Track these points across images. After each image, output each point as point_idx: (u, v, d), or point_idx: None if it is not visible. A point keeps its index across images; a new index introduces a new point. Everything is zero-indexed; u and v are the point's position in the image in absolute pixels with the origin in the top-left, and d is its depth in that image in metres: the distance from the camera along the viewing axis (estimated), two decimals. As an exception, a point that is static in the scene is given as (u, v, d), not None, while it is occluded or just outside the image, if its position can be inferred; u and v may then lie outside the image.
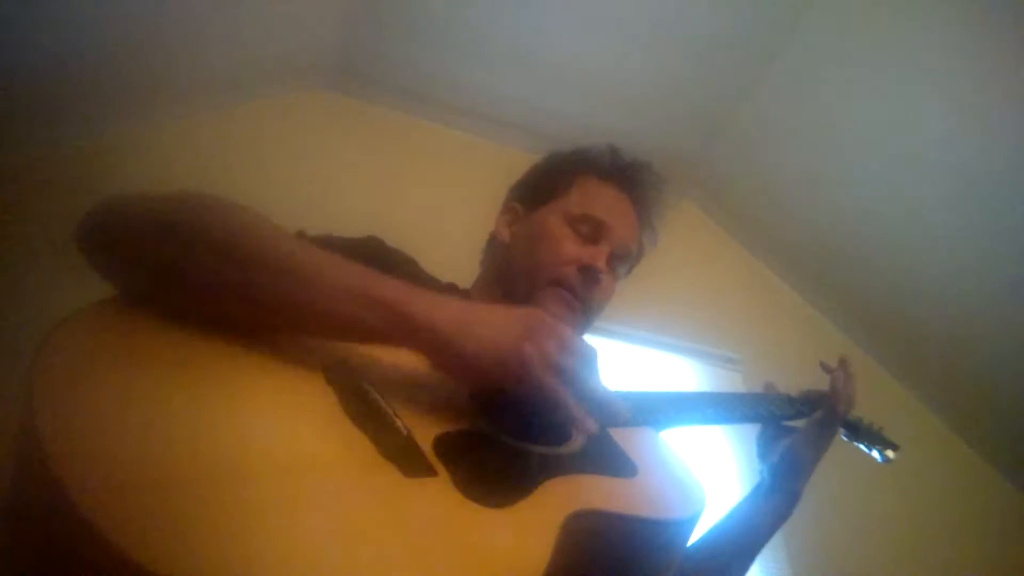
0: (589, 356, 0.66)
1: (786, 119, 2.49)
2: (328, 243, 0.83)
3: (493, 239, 1.09)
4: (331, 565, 0.43)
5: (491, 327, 0.62)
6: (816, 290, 2.74)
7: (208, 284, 0.58)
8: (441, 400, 0.65)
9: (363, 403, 0.58)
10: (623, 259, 1.03)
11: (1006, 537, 2.34)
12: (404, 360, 0.65)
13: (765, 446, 1.10)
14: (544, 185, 1.07)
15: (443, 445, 0.60)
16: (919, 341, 2.52)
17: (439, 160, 2.44)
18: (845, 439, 1.22)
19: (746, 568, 1.01)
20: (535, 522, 0.56)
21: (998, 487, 2.52)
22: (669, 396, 0.96)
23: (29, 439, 0.42)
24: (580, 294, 0.95)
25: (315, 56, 2.30)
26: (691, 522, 0.70)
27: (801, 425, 1.10)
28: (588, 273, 0.95)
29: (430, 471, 0.55)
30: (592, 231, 0.98)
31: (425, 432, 0.60)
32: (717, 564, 0.98)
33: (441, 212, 2.22)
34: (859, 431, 1.22)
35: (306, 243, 0.64)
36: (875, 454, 1.22)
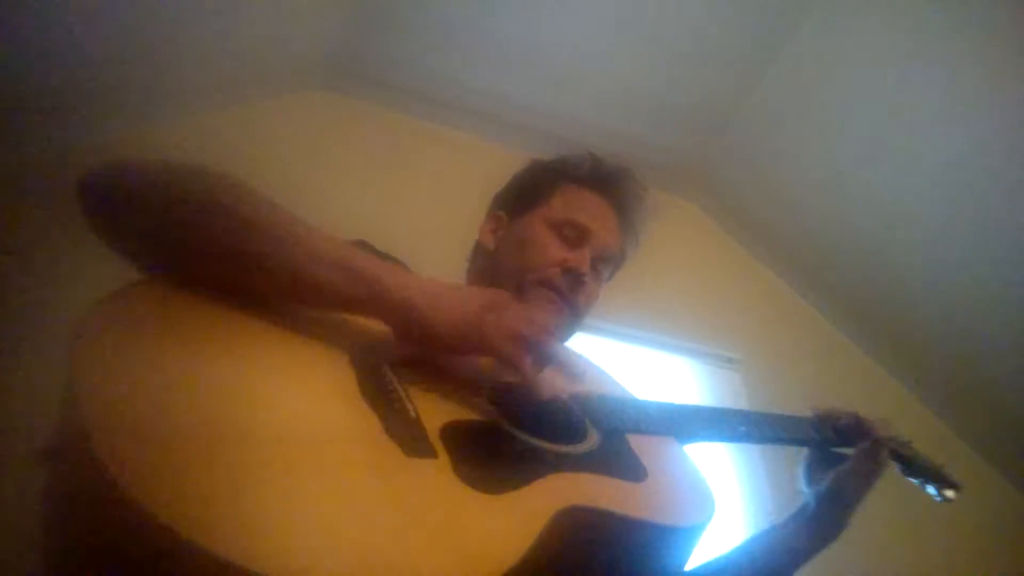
0: (552, 327, 0.72)
1: (786, 120, 2.49)
2: None
3: (478, 247, 1.11)
4: (322, 527, 0.46)
5: (456, 301, 0.68)
6: (816, 290, 2.74)
7: (201, 246, 0.61)
8: (461, 391, 0.69)
9: (379, 384, 0.62)
10: (606, 262, 1.05)
11: (1006, 537, 2.34)
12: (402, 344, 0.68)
13: (812, 472, 1.06)
14: (527, 193, 1.10)
15: (451, 431, 0.62)
16: (919, 341, 2.52)
17: (439, 160, 2.44)
18: (899, 473, 1.15)
19: None
20: (524, 511, 0.57)
21: (998, 487, 2.52)
22: (699, 410, 0.96)
23: (69, 399, 0.46)
24: (566, 296, 0.97)
25: (315, 56, 2.30)
26: (691, 532, 0.69)
27: (851, 453, 1.05)
28: (572, 276, 0.97)
29: (430, 452, 0.58)
30: (575, 235, 1.01)
31: (436, 418, 0.62)
32: None
33: (441, 212, 2.22)
34: (914, 467, 1.15)
35: (295, 215, 0.68)
36: (931, 490, 1.14)
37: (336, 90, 2.39)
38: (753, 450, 2.00)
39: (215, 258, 0.62)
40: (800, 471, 1.08)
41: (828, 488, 1.01)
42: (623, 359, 2.25)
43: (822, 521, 1.02)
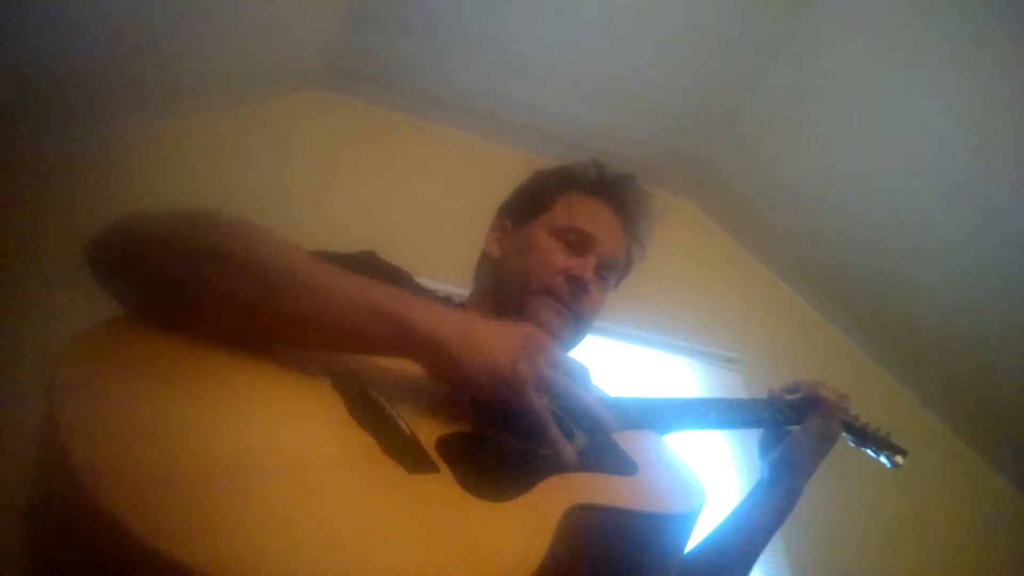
0: (579, 373, 0.70)
1: (786, 120, 2.49)
2: (324, 259, 0.85)
3: (484, 256, 1.12)
4: (335, 554, 0.45)
5: (488, 343, 0.65)
6: (815, 290, 2.74)
7: (220, 301, 0.59)
8: (443, 404, 0.67)
9: (368, 406, 0.61)
10: (611, 269, 1.05)
11: (1006, 537, 2.34)
12: (407, 368, 0.67)
13: (766, 446, 1.12)
14: (531, 202, 1.10)
15: (445, 445, 0.61)
16: (918, 341, 2.52)
17: (439, 160, 2.44)
18: (852, 446, 1.22)
19: (749, 566, 1.03)
20: (534, 515, 0.57)
21: (998, 487, 2.52)
22: (672, 401, 0.98)
23: (50, 442, 0.44)
24: (569, 303, 0.98)
25: (315, 56, 2.30)
26: (691, 517, 0.71)
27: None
28: (576, 283, 0.98)
29: (432, 467, 0.57)
30: (579, 242, 1.02)
31: (428, 433, 0.62)
32: (721, 561, 0.99)
33: (441, 212, 2.22)
34: (866, 436, 1.21)
35: (309, 256, 0.66)
36: (883, 460, 1.22)
37: (336, 90, 2.39)
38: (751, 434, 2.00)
39: (235, 312, 0.60)
40: (757, 447, 1.13)
41: (779, 455, 1.07)
42: (623, 359, 2.25)
43: (776, 488, 1.06)
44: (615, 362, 2.20)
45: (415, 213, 2.21)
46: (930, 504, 2.31)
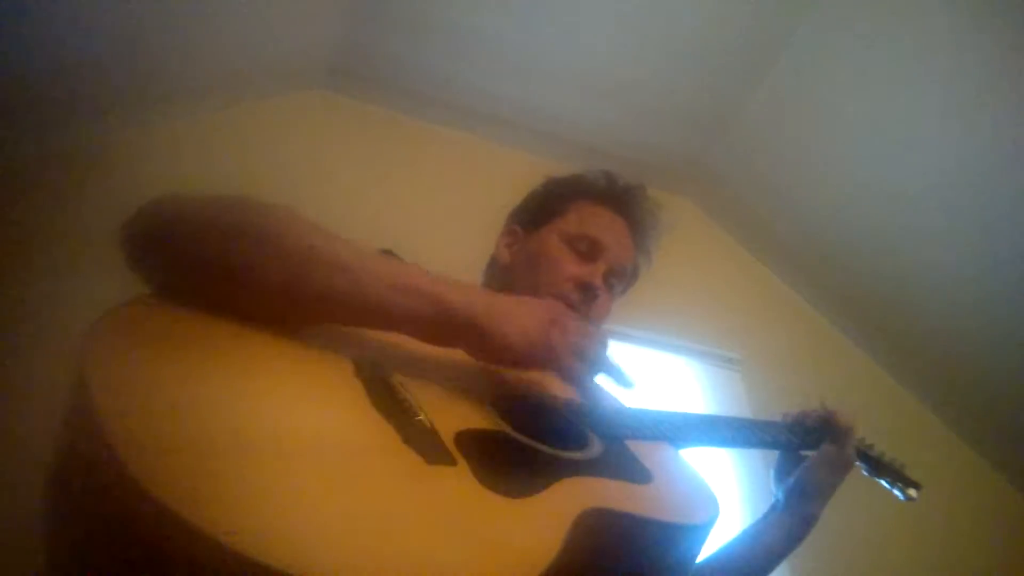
0: (603, 339, 0.75)
1: (786, 119, 2.49)
2: None
3: (494, 260, 1.14)
4: (354, 537, 0.46)
5: (520, 315, 0.69)
6: (816, 290, 2.74)
7: (254, 279, 0.61)
8: (465, 400, 0.70)
9: (389, 395, 0.62)
10: (619, 277, 1.07)
11: (1006, 537, 2.34)
12: (432, 359, 0.70)
13: (781, 471, 1.11)
14: (542, 208, 1.13)
15: (464, 439, 0.62)
16: (919, 340, 2.52)
17: (439, 160, 2.44)
18: (865, 474, 1.21)
19: None
20: (548, 514, 0.58)
21: (998, 487, 2.52)
22: (688, 417, 0.98)
23: (81, 409, 0.45)
24: (579, 310, 0.99)
25: (315, 56, 2.30)
26: (702, 529, 0.71)
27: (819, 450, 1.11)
28: (586, 290, 1.00)
29: (450, 460, 0.58)
30: (589, 249, 1.04)
31: (448, 427, 0.63)
32: None
33: (441, 212, 2.22)
34: (880, 467, 1.21)
35: (341, 237, 0.67)
36: (897, 492, 1.21)
37: (336, 90, 2.39)
38: (755, 453, 2.00)
39: (269, 291, 0.61)
40: (772, 473, 1.13)
41: (794, 482, 1.06)
42: (623, 359, 2.24)
43: (790, 515, 1.05)
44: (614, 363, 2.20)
45: (415, 213, 2.20)
46: (929, 503, 2.31)
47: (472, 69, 2.40)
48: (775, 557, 1.03)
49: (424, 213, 2.22)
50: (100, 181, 1.79)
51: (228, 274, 0.60)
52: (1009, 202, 2.07)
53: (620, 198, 1.13)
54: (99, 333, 0.52)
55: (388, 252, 1.00)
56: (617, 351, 2.30)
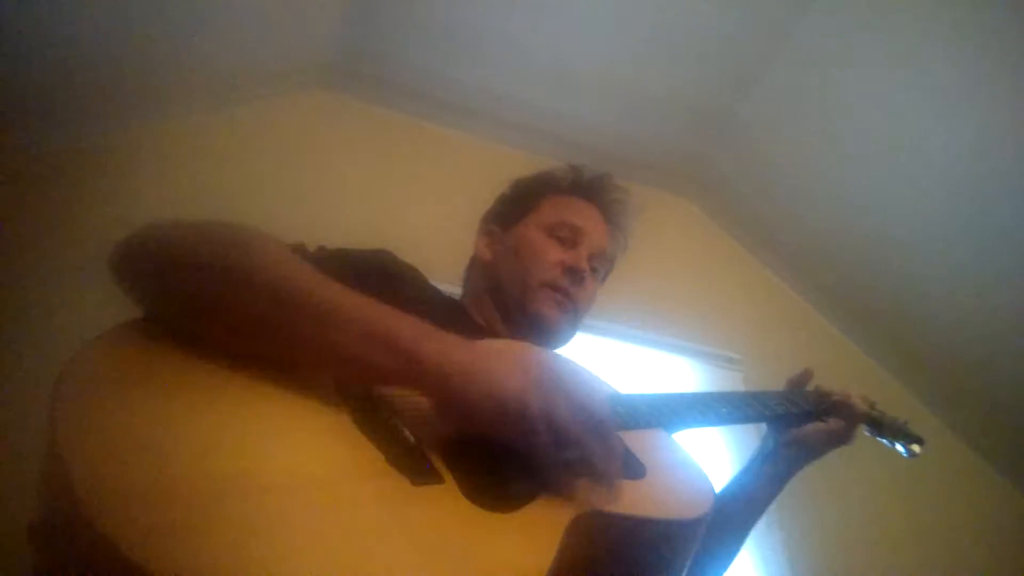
0: (603, 418, 0.65)
1: (786, 119, 2.49)
2: (342, 257, 0.88)
3: (475, 261, 1.16)
4: (345, 571, 0.45)
5: (497, 376, 0.62)
6: (816, 290, 2.74)
7: (231, 318, 0.59)
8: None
9: (374, 412, 0.61)
10: (600, 260, 1.11)
11: (1006, 537, 2.34)
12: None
13: (778, 426, 1.12)
14: (516, 206, 1.16)
15: (451, 452, 0.61)
16: (919, 341, 2.52)
17: (439, 160, 2.44)
18: (868, 435, 1.22)
19: (745, 533, 1.04)
20: (540, 525, 0.57)
21: (998, 487, 2.52)
22: (683, 397, 0.98)
23: (51, 459, 0.44)
24: (570, 294, 1.02)
25: (315, 56, 2.30)
26: (699, 523, 0.70)
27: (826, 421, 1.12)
28: (573, 274, 1.03)
29: (437, 478, 0.57)
30: (570, 235, 1.07)
31: (434, 440, 0.61)
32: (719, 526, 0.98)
33: (441, 212, 2.22)
34: (882, 426, 1.21)
35: (331, 281, 0.64)
36: (900, 448, 1.21)
37: (336, 90, 2.39)
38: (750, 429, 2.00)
39: (245, 331, 0.60)
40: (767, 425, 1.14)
41: (793, 440, 1.08)
42: (623, 359, 2.25)
43: (777, 463, 1.08)
44: (615, 362, 2.20)
45: (415, 213, 2.20)
46: (930, 504, 2.31)
47: (472, 69, 2.40)
48: (763, 505, 1.06)
49: (424, 212, 2.21)
50: (100, 181, 1.79)
51: (206, 309, 0.59)
52: (1010, 201, 2.07)
53: (589, 187, 1.16)
54: (72, 371, 0.50)
55: (385, 252, 0.99)
56: (618, 351, 2.28)
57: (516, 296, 1.02)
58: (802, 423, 1.11)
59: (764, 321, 2.61)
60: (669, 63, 2.38)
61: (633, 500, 0.66)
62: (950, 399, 2.55)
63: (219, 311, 0.59)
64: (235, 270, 0.60)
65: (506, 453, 0.65)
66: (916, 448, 1.20)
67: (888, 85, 2.15)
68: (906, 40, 2.05)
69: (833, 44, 2.23)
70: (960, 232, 2.23)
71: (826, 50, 2.25)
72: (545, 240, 1.06)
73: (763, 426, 1.14)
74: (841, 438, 1.11)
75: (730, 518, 1.00)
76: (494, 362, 0.64)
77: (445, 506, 0.55)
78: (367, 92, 2.41)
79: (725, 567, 1.01)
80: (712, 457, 2.07)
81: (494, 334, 1.01)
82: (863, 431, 1.19)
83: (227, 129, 2.09)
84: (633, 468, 0.72)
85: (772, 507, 1.07)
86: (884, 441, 1.22)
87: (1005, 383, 2.37)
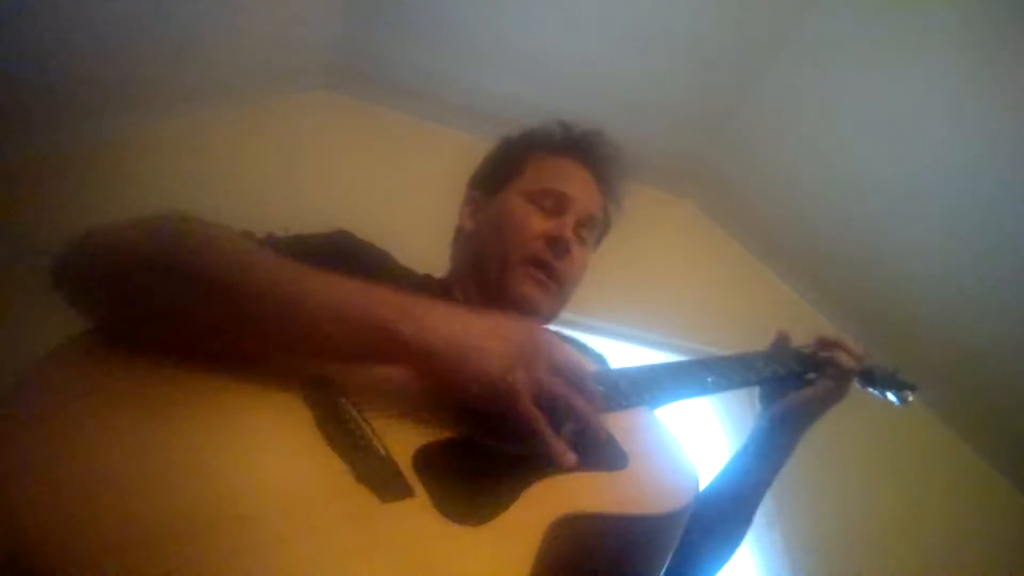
0: (581, 375, 0.65)
1: (786, 119, 2.49)
2: (298, 243, 0.83)
3: (459, 231, 1.09)
4: None
5: (482, 348, 0.61)
6: (816, 290, 2.74)
7: (191, 316, 0.57)
8: (425, 407, 0.64)
9: (340, 423, 0.57)
10: (590, 227, 1.03)
11: (1006, 537, 2.34)
12: (386, 370, 0.63)
13: (768, 396, 1.07)
14: (500, 169, 1.08)
15: (424, 458, 0.58)
16: (919, 340, 2.52)
17: (439, 159, 2.43)
18: (859, 387, 1.15)
19: (747, 517, 1.00)
20: (516, 534, 0.55)
21: (998, 487, 2.52)
22: (665, 368, 0.94)
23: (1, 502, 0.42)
24: (553, 268, 0.95)
25: (316, 56, 2.30)
26: (683, 512, 0.67)
27: (815, 380, 1.06)
28: (557, 244, 0.95)
29: (408, 492, 0.54)
30: (555, 203, 0.99)
31: (406, 445, 0.59)
32: (716, 514, 0.94)
33: (440, 211, 2.22)
34: (874, 378, 1.15)
35: (290, 262, 0.61)
36: (891, 397, 1.15)
37: (337, 90, 2.39)
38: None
39: (204, 328, 0.57)
40: (758, 395, 1.09)
41: (787, 409, 1.02)
42: (623, 359, 2.24)
43: (774, 439, 1.02)
44: (615, 362, 2.20)
45: (416, 212, 2.20)
46: (929, 503, 2.31)
47: (471, 69, 2.40)
48: (759, 486, 1.00)
49: (424, 212, 2.21)
50: (99, 181, 1.79)
51: (158, 309, 0.56)
52: (1010, 200, 2.07)
53: (579, 145, 1.09)
54: (17, 396, 0.48)
55: (344, 233, 0.94)
56: (617, 351, 2.28)
57: (496, 271, 0.96)
58: (791, 387, 1.04)
59: (763, 321, 2.59)
60: (669, 63, 2.38)
61: (615, 496, 0.64)
62: (950, 399, 2.54)
63: (175, 309, 0.56)
64: (188, 265, 0.57)
65: (482, 452, 0.63)
66: (909, 396, 1.15)
67: (887, 85, 2.15)
68: (905, 41, 2.06)
69: (832, 45, 2.23)
70: (961, 233, 2.23)
71: (826, 51, 2.25)
72: (528, 209, 0.99)
73: (756, 404, 1.09)
74: (834, 396, 1.04)
75: (734, 501, 0.97)
76: (477, 333, 0.62)
77: (414, 523, 0.52)
78: (368, 92, 2.41)
79: (733, 549, 0.98)
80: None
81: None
82: (854, 384, 1.13)
83: (227, 129, 2.09)
84: (615, 457, 0.68)
85: (772, 507, 1.05)
86: (875, 392, 1.16)
87: (1005, 383, 2.37)
